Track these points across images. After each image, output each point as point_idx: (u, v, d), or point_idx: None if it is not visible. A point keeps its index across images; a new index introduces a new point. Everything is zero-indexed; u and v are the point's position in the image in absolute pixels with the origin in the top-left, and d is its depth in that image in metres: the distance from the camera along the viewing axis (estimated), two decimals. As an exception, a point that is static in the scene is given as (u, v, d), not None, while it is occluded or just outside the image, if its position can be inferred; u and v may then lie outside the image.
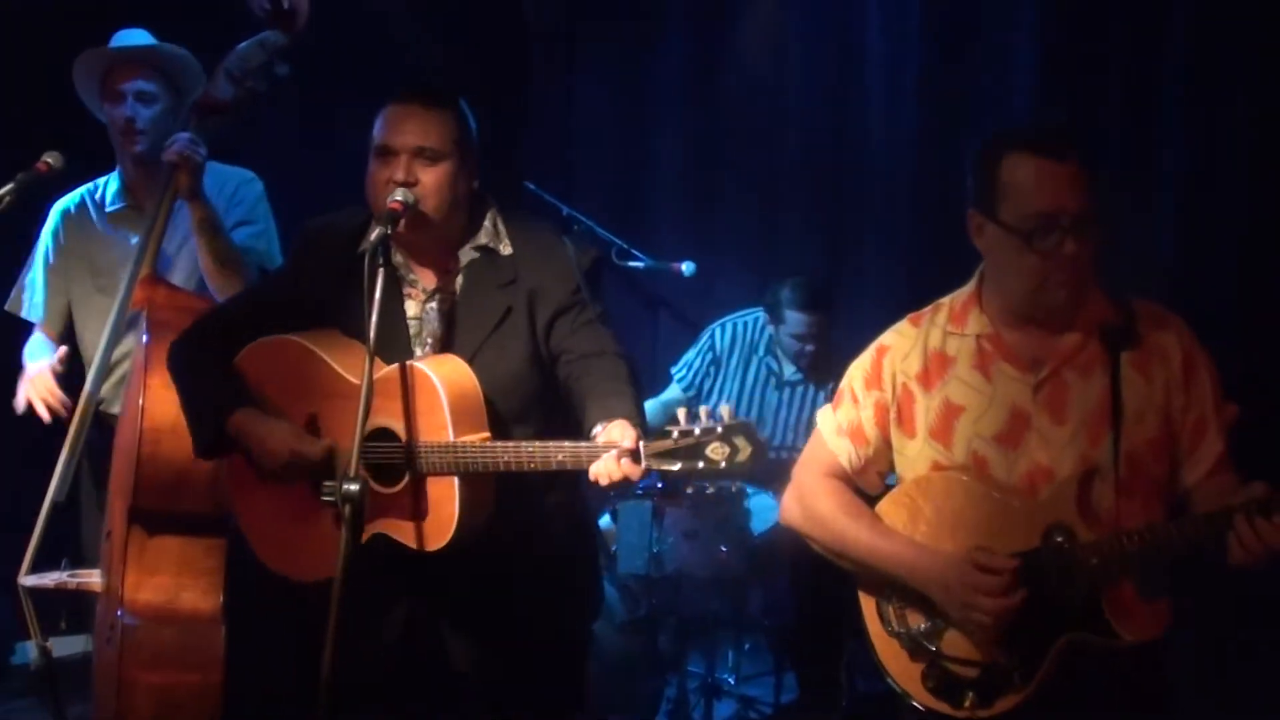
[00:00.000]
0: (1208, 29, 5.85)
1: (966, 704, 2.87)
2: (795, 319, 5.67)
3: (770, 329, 5.84)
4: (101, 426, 4.07)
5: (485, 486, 3.07)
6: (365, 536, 3.02)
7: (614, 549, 5.43)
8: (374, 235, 3.00)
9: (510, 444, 2.98)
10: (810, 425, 3.61)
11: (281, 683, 3.67)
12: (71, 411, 4.04)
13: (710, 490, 2.80)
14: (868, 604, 3.03)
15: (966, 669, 2.89)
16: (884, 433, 3.05)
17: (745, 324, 5.96)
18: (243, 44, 4.05)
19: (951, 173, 3.00)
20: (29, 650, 3.96)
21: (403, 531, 3.10)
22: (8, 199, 3.68)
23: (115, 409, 4.08)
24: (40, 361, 4.20)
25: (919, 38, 6.65)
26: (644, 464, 2.77)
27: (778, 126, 6.97)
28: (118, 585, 3.72)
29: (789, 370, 5.86)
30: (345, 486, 2.84)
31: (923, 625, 2.94)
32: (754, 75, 6.96)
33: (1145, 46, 6.04)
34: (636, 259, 5.65)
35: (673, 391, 6.01)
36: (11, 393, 4.25)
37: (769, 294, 5.78)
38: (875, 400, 3.05)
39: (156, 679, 3.66)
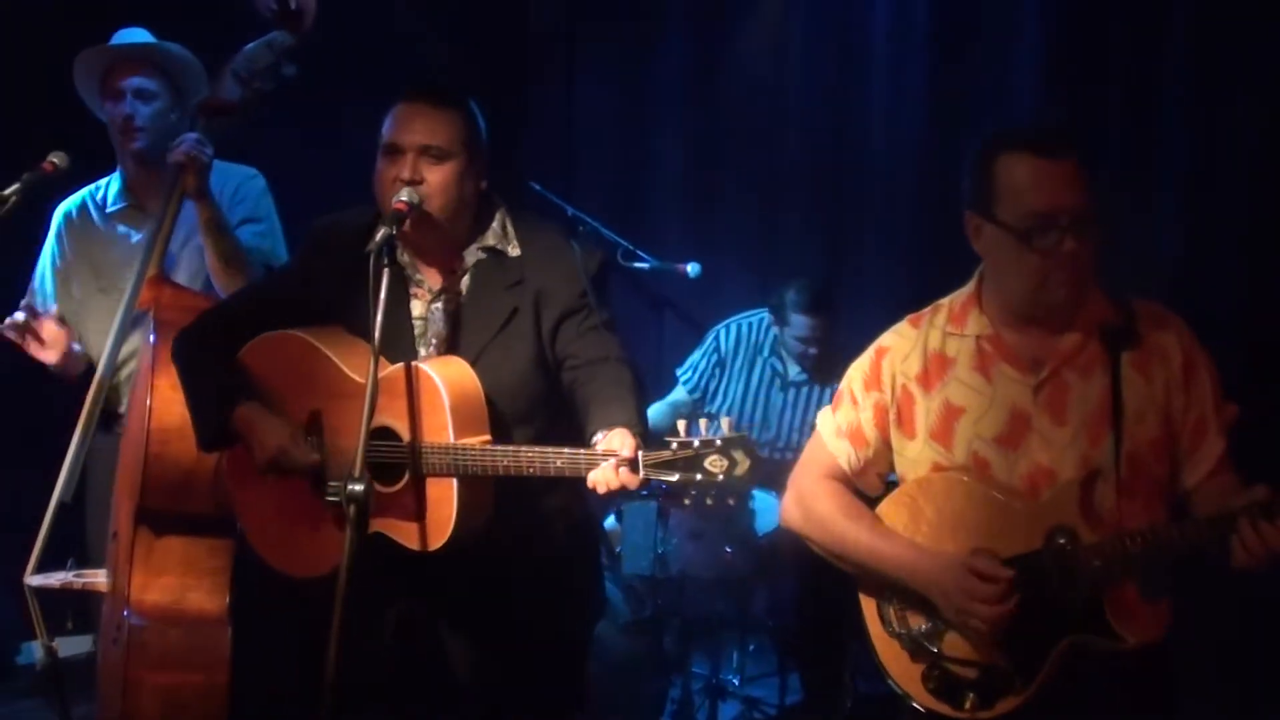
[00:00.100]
0: (1209, 29, 5.85)
1: (967, 705, 2.87)
2: (799, 321, 5.68)
3: (775, 330, 5.84)
4: (108, 426, 4.08)
5: (484, 489, 3.07)
6: (363, 535, 3.03)
7: (619, 550, 5.43)
8: (379, 235, 3.01)
9: (510, 448, 2.98)
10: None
11: (286, 683, 3.67)
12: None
13: (709, 502, 2.79)
14: (868, 605, 3.02)
15: (967, 670, 2.89)
16: (883, 434, 3.05)
17: (750, 325, 5.96)
18: (250, 45, 4.05)
19: (953, 173, 3.00)
20: (35, 650, 3.97)
21: (400, 531, 3.10)
22: (13, 199, 3.68)
23: (122, 409, 4.09)
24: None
25: (921, 38, 6.65)
26: (642, 474, 2.78)
27: (780, 127, 6.98)
28: (124, 585, 3.73)
29: (794, 371, 5.87)
30: (350, 487, 2.85)
31: (923, 626, 2.94)
32: (755, 75, 6.97)
33: (1147, 47, 6.04)
34: (641, 260, 5.65)
35: (678, 393, 6.02)
36: (18, 394, 4.26)
37: (773, 296, 5.78)
38: (875, 402, 3.05)
39: (162, 679, 3.67)
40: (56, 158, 3.90)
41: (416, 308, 3.27)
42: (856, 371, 3.10)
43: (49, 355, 4.11)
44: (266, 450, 3.18)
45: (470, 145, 3.20)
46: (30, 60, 5.38)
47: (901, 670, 2.96)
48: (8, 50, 5.54)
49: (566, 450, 2.89)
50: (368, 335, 3.00)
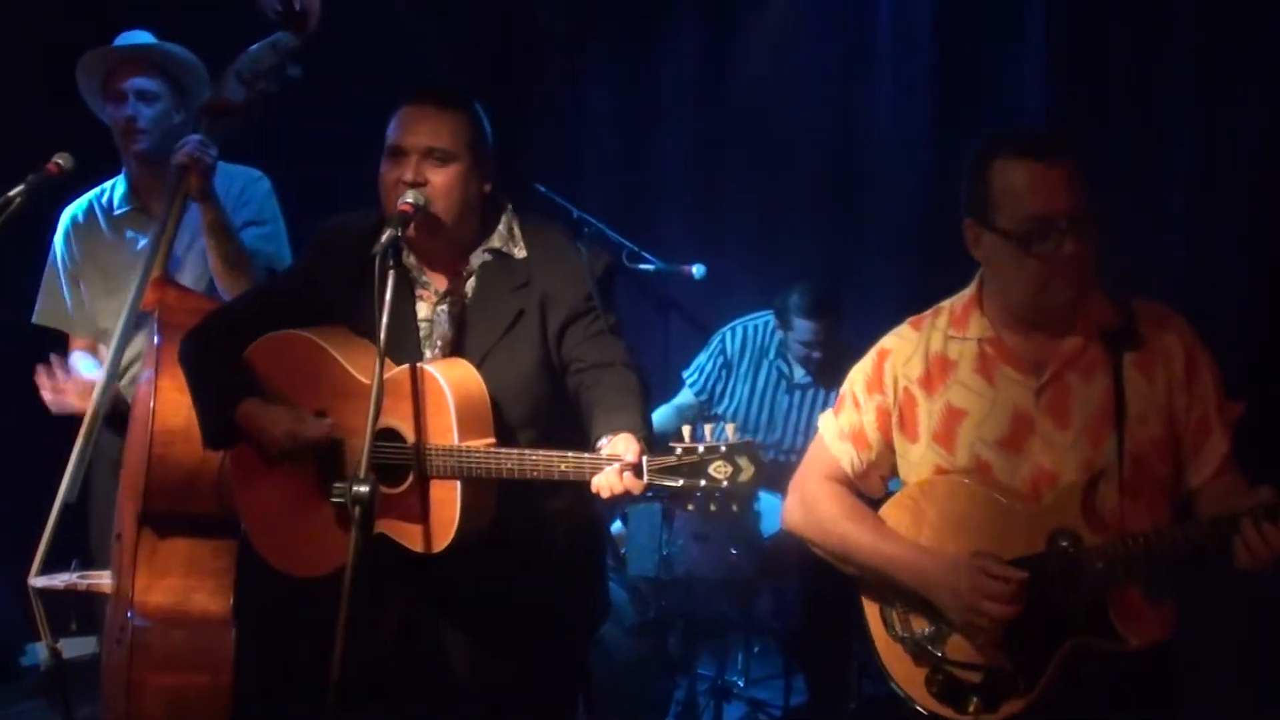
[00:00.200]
0: (1212, 29, 5.85)
1: (971, 709, 2.87)
2: (802, 325, 5.67)
3: (780, 333, 5.84)
4: (112, 428, 4.08)
5: (487, 492, 3.07)
6: (366, 536, 3.03)
7: (624, 551, 5.43)
8: (385, 237, 3.01)
9: (514, 451, 2.98)
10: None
11: (289, 683, 3.67)
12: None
13: (713, 508, 2.78)
14: (871, 609, 3.02)
15: (970, 674, 2.88)
16: (886, 437, 3.05)
17: (755, 327, 5.96)
18: (254, 46, 4.05)
19: (957, 175, 2.98)
20: (39, 651, 3.98)
21: (404, 532, 3.10)
22: (18, 200, 3.68)
23: (126, 410, 4.09)
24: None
25: (925, 40, 6.64)
26: (646, 479, 2.77)
27: (785, 128, 6.96)
28: (128, 587, 3.73)
29: (799, 373, 5.86)
30: (355, 488, 2.84)
31: (926, 630, 2.94)
32: (761, 77, 6.95)
33: (1150, 47, 6.03)
34: (647, 262, 5.64)
35: (685, 396, 6.02)
36: (21, 395, 4.26)
37: (777, 300, 5.78)
38: (877, 404, 3.05)
39: (166, 680, 3.67)
40: (61, 159, 3.89)
41: (422, 310, 3.27)
42: (858, 374, 3.10)
43: (79, 404, 4.12)
44: (275, 436, 3.18)
45: (475, 147, 3.20)
46: (34, 61, 5.39)
47: (905, 674, 2.95)
48: (12, 51, 5.54)
49: (571, 454, 2.88)
50: (373, 337, 3.00)
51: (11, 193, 3.68)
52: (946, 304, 3.07)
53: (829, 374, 5.69)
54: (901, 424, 3.02)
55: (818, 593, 5.15)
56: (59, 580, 3.96)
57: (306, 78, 4.15)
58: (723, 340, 5.98)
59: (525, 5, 7.19)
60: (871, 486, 3.09)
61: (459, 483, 3.01)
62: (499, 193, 3.30)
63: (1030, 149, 2.82)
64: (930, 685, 2.92)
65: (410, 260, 3.23)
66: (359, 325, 3.23)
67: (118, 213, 4.29)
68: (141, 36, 4.25)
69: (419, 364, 3.10)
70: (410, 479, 3.07)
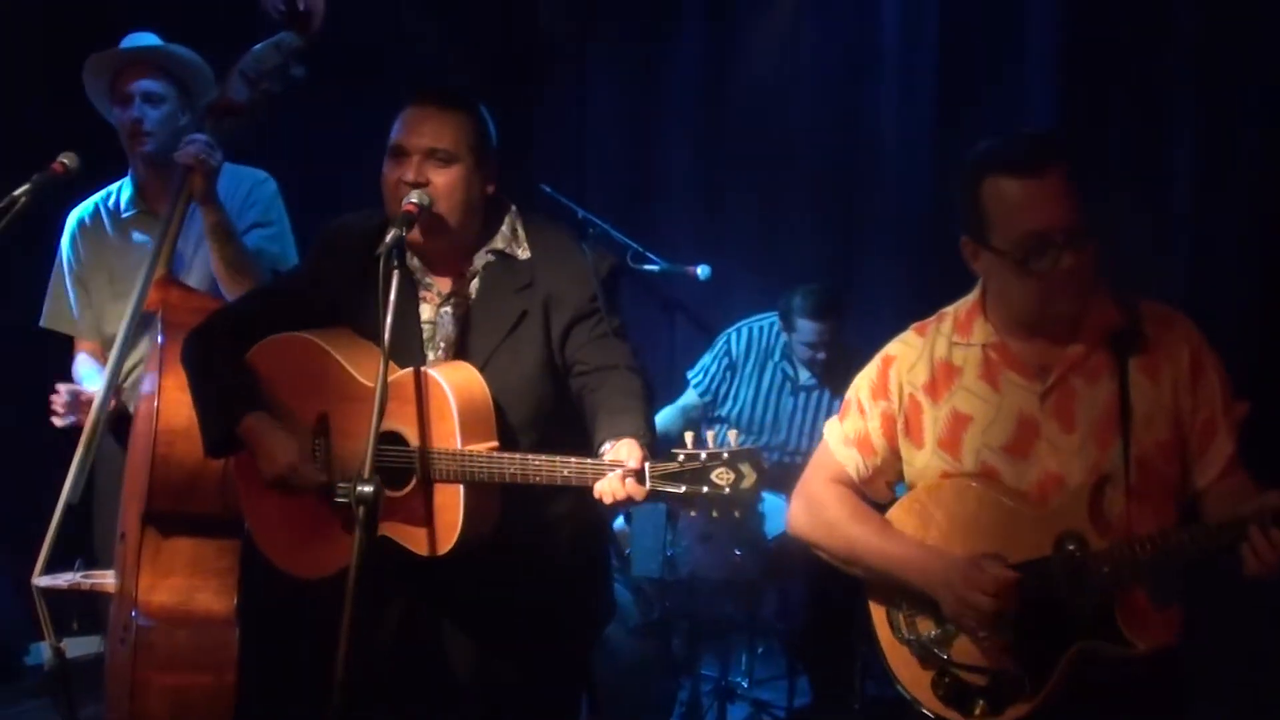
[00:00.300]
0: (1216, 30, 5.84)
1: (977, 712, 2.86)
2: (806, 327, 5.67)
3: (784, 334, 5.83)
4: (116, 427, 4.07)
5: (491, 495, 3.06)
6: (370, 538, 3.02)
7: (628, 552, 5.43)
8: (389, 237, 3.00)
9: (517, 456, 2.97)
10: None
11: (292, 684, 3.67)
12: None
13: (715, 514, 2.78)
14: (878, 612, 3.01)
15: (976, 676, 2.87)
16: (891, 443, 3.04)
17: (760, 328, 5.95)
18: (258, 46, 4.06)
19: (958, 179, 2.97)
20: (43, 651, 3.98)
21: (406, 535, 3.09)
22: (24, 200, 3.68)
23: (130, 410, 4.08)
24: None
25: (930, 41, 6.63)
26: (648, 485, 2.77)
27: (790, 129, 6.96)
28: (131, 587, 3.73)
29: (804, 375, 5.86)
30: (359, 488, 2.84)
31: (933, 632, 2.93)
32: (766, 78, 6.95)
33: (1154, 48, 6.02)
34: (652, 262, 5.64)
35: (689, 397, 6.02)
36: (25, 395, 4.26)
37: (781, 301, 5.78)
38: (882, 410, 3.04)
39: (170, 680, 3.67)
40: (67, 159, 3.89)
41: (425, 311, 3.27)
42: (863, 380, 3.09)
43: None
44: (276, 466, 3.17)
45: (477, 149, 3.19)
46: (36, 62, 5.39)
47: (911, 677, 2.95)
48: (21, 54, 5.54)
49: (574, 460, 2.88)
50: (377, 338, 3.00)
51: (16, 192, 3.67)
52: (950, 309, 3.06)
53: (834, 376, 5.69)
54: (907, 430, 3.01)
55: (821, 594, 5.15)
56: (63, 580, 3.96)
57: (310, 78, 4.15)
58: (728, 341, 5.97)
59: (529, 6, 7.19)
60: (877, 492, 3.08)
61: (462, 487, 3.01)
62: (503, 194, 3.29)
63: (1020, 164, 2.78)
64: (936, 688, 2.91)
65: (413, 262, 3.23)
66: (362, 326, 3.22)
67: (125, 215, 4.28)
68: (147, 38, 4.25)
69: (422, 368, 3.10)
70: (413, 483, 3.06)
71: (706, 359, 5.99)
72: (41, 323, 4.38)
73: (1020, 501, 2.87)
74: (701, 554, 5.33)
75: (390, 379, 3.01)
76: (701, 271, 5.66)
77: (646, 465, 2.77)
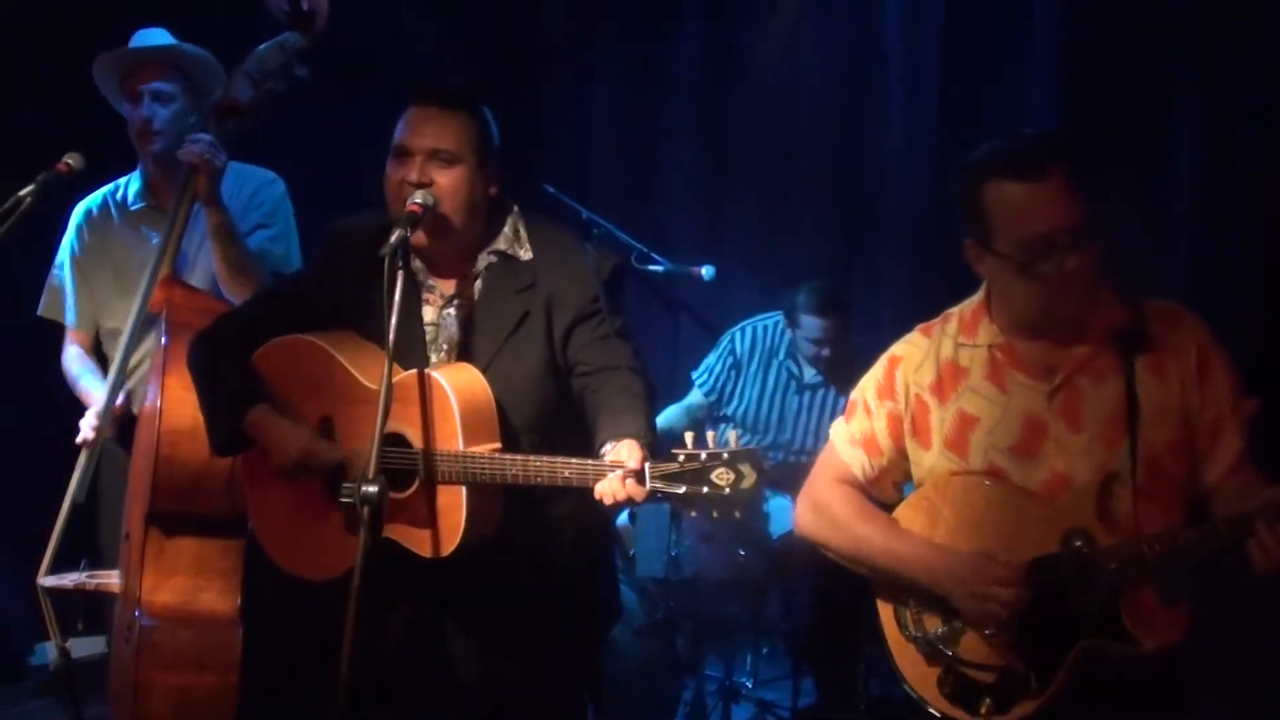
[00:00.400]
0: (1219, 31, 5.83)
1: (983, 710, 2.86)
2: (810, 323, 5.67)
3: (789, 332, 5.84)
4: (121, 427, 4.07)
5: (494, 496, 3.06)
6: (374, 539, 3.02)
7: (632, 552, 5.42)
8: (394, 237, 3.00)
9: (519, 457, 2.97)
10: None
11: (296, 684, 3.67)
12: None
13: (715, 514, 2.78)
14: (885, 610, 3.01)
15: (983, 674, 2.87)
16: (898, 443, 3.04)
17: (765, 328, 5.95)
18: (262, 46, 4.06)
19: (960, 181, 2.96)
20: (48, 650, 3.98)
21: (409, 537, 3.09)
22: (29, 199, 3.68)
23: (134, 410, 4.08)
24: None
25: (934, 40, 6.64)
26: (649, 485, 2.77)
27: (793, 129, 6.96)
28: (136, 586, 3.73)
29: (809, 373, 5.85)
30: (364, 488, 2.84)
31: (940, 629, 2.93)
32: (768, 77, 6.95)
33: (1158, 49, 6.02)
34: (656, 263, 5.63)
35: (694, 396, 6.02)
36: (29, 395, 4.26)
37: (785, 299, 5.78)
38: (888, 411, 3.04)
39: (174, 680, 3.67)
40: (72, 158, 3.89)
41: (428, 313, 3.26)
42: (869, 381, 3.09)
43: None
44: (289, 454, 3.16)
45: (480, 149, 3.19)
46: (37, 61, 5.39)
47: (917, 674, 2.95)
48: (29, 51, 5.54)
49: (575, 461, 2.88)
50: (380, 340, 3.00)
51: (22, 192, 3.67)
52: (955, 310, 3.06)
53: (839, 374, 5.68)
54: (914, 431, 3.02)
55: (826, 594, 5.14)
56: (68, 580, 3.97)
57: (314, 78, 4.15)
58: (732, 340, 5.97)
59: (529, 6, 7.19)
60: (884, 492, 3.09)
61: (465, 488, 3.01)
62: (506, 194, 3.29)
63: (1021, 167, 2.78)
64: (943, 686, 2.91)
65: (416, 264, 3.22)
66: (365, 327, 3.22)
67: (133, 208, 4.29)
68: (159, 35, 4.25)
69: (425, 370, 3.10)
70: (416, 484, 3.06)
71: (711, 358, 5.99)
72: (39, 311, 4.39)
73: (1028, 499, 2.87)
74: (706, 554, 5.32)
75: (393, 381, 3.01)
76: (706, 272, 5.66)
77: (646, 466, 2.77)
